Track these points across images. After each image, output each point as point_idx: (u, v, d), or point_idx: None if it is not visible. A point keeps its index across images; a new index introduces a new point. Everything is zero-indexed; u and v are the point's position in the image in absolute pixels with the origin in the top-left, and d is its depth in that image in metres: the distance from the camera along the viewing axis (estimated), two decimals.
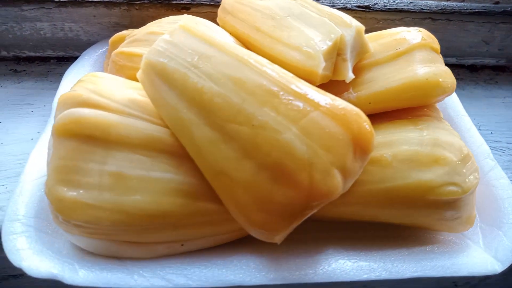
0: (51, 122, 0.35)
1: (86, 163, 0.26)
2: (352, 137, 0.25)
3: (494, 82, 0.54)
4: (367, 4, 0.47)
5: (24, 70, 0.48)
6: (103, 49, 0.44)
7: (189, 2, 0.45)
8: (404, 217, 0.29)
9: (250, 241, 0.29)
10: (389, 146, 0.29)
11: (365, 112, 0.30)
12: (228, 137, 0.25)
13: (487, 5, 0.49)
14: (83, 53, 0.44)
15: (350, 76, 0.29)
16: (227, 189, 0.25)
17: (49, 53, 0.49)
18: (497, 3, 0.48)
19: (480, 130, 0.47)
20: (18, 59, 0.49)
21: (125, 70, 0.33)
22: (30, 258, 0.27)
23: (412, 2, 0.48)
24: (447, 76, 0.30)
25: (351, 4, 0.47)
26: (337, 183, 0.24)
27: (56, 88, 0.44)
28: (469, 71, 0.55)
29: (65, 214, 0.26)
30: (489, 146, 0.45)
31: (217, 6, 0.44)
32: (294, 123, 0.24)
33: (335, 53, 0.29)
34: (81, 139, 0.26)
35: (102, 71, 0.42)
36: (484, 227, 0.32)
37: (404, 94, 0.30)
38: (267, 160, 0.24)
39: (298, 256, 0.29)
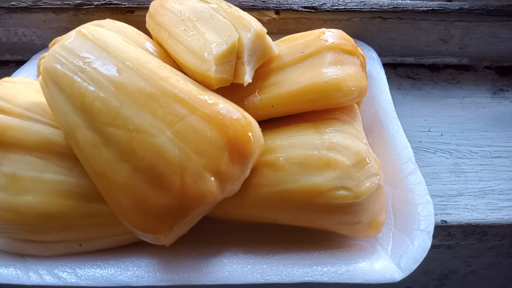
0: None
1: None
2: (227, 141, 0.25)
3: (455, 81, 0.52)
4: (314, 4, 0.47)
5: None
6: None
7: (134, 6, 0.46)
8: (302, 221, 0.29)
9: (151, 243, 0.29)
10: (285, 149, 0.29)
11: (268, 115, 0.31)
12: (107, 140, 0.25)
13: (442, 3, 0.47)
14: (32, 57, 0.45)
15: (247, 80, 0.29)
16: (108, 191, 0.26)
17: (7, 57, 0.51)
18: (449, 1, 0.47)
19: (429, 131, 0.46)
20: None
21: None
22: None
23: (362, 1, 0.47)
24: (350, 79, 0.30)
25: (297, 5, 0.47)
26: (210, 187, 0.24)
27: None
28: (430, 70, 0.53)
29: None
30: (437, 148, 0.44)
31: None
32: (169, 127, 0.25)
33: (234, 57, 0.29)
34: None
35: None
36: (396, 232, 0.31)
37: (304, 97, 0.30)
38: (141, 164, 0.24)
39: (193, 258, 0.29)
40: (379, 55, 0.50)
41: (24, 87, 0.31)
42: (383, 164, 0.33)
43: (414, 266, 0.28)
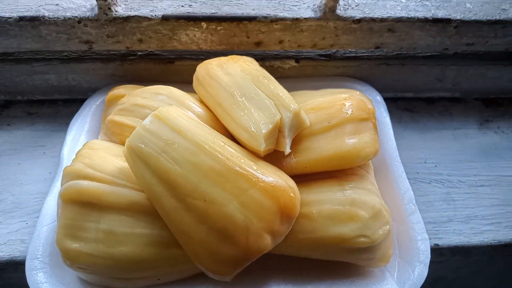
0: (58, 179, 0.44)
1: (85, 223, 0.35)
2: (279, 208, 0.33)
3: (448, 113, 0.61)
4: (329, 53, 0.54)
5: (36, 113, 0.57)
6: (100, 100, 0.52)
7: (173, 57, 0.53)
8: (329, 257, 0.38)
9: None
10: (317, 204, 0.37)
11: (302, 173, 0.39)
12: (188, 207, 0.33)
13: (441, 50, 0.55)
14: (84, 103, 0.52)
15: (287, 150, 0.37)
16: (188, 244, 0.34)
17: (56, 96, 0.57)
18: (445, 49, 0.54)
19: (425, 163, 0.54)
20: (31, 102, 0.58)
21: (117, 136, 0.42)
22: None
23: (370, 50, 0.54)
24: (367, 146, 0.38)
25: (314, 53, 0.54)
26: (267, 243, 0.33)
27: (63, 130, 0.53)
28: (426, 103, 0.61)
29: (71, 260, 0.35)
30: (432, 179, 0.53)
31: (198, 60, 0.52)
32: (236, 198, 0.33)
33: (277, 131, 0.37)
34: (81, 205, 0.35)
35: (100, 119, 0.50)
36: (400, 262, 0.40)
37: (331, 163, 0.38)
38: (215, 226, 0.32)
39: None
40: (383, 91, 0.58)
41: (104, 152, 0.39)
42: (389, 203, 0.42)
43: None
